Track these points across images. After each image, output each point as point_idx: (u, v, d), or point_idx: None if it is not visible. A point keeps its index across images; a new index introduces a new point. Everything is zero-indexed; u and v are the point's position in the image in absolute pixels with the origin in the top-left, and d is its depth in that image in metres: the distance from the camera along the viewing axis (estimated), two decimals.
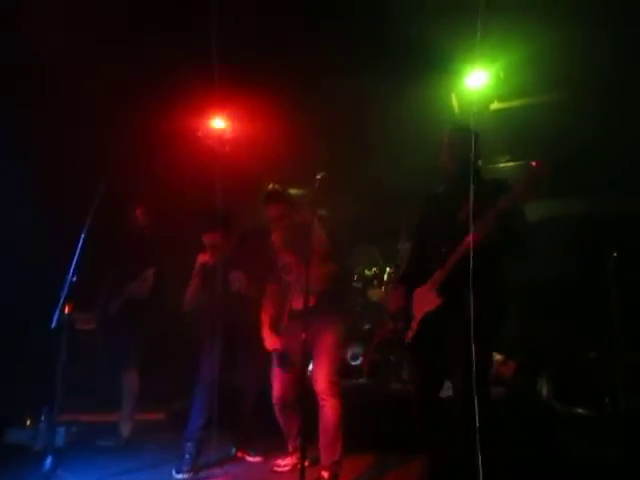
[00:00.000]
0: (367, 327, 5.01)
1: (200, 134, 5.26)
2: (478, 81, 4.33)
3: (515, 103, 4.53)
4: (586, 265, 4.68)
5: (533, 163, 2.46)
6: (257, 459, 3.73)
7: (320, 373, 3.19)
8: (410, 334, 2.86)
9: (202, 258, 3.70)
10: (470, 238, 2.49)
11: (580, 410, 4.64)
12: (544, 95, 4.51)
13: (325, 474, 3.10)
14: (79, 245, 3.37)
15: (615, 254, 4.23)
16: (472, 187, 2.27)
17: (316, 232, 3.20)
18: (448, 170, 2.85)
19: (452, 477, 2.68)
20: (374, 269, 5.05)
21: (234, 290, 3.56)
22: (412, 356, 2.99)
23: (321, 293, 3.17)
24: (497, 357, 4.68)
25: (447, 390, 3.18)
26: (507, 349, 4.75)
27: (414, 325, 2.85)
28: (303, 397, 3.16)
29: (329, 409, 3.17)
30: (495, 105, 4.44)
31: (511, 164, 4.84)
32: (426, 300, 2.78)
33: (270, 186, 3.58)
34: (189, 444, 3.46)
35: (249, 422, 3.80)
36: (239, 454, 3.78)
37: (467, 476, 2.36)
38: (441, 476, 2.75)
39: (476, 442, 2.10)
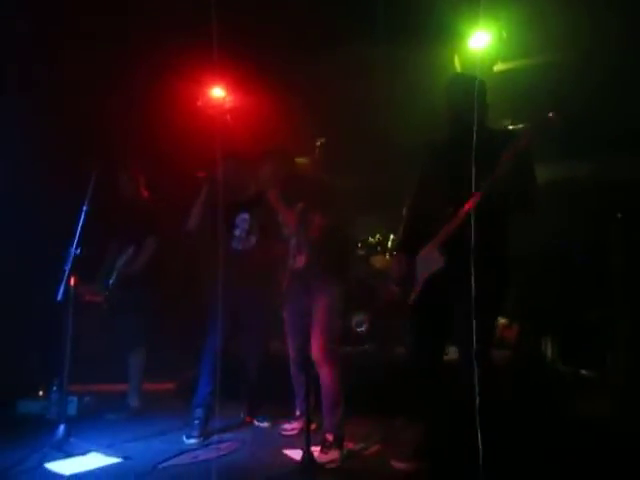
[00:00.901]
0: (371, 293, 5.03)
1: (200, 103, 5.21)
2: (481, 42, 4.25)
3: (519, 64, 4.44)
4: (591, 227, 4.66)
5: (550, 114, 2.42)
6: (265, 424, 3.79)
7: (314, 340, 3.19)
8: (413, 296, 2.87)
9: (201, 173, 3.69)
10: (476, 197, 2.44)
11: (584, 371, 4.69)
12: (548, 55, 4.42)
13: (329, 437, 3.15)
14: (81, 218, 3.38)
15: (620, 215, 4.21)
16: (475, 138, 2.20)
17: (313, 182, 3.27)
18: (450, 120, 2.77)
19: (453, 442, 2.71)
20: (377, 236, 5.04)
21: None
22: (415, 318, 2.99)
23: (318, 249, 3.16)
24: (501, 321, 4.71)
25: (451, 354, 3.22)
26: (511, 312, 4.77)
27: (417, 288, 2.85)
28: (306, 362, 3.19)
29: (324, 376, 3.22)
30: (499, 66, 4.36)
31: (514, 127, 4.76)
32: (430, 261, 2.76)
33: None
34: (198, 410, 3.51)
35: (256, 388, 3.87)
36: (247, 420, 3.85)
37: (469, 441, 2.41)
38: (441, 441, 2.79)
39: (478, 407, 2.12)
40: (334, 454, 3.07)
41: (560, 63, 4.28)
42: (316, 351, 3.20)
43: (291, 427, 3.58)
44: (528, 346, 5.03)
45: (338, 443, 3.14)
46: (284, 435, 3.54)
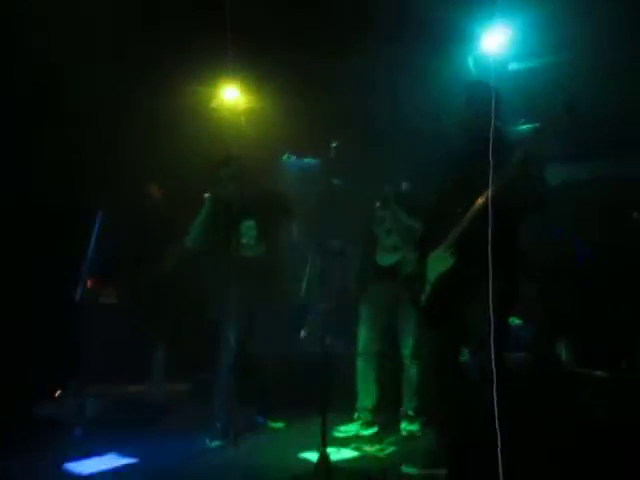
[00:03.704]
0: None
1: (213, 106, 5.23)
2: (495, 42, 4.22)
3: (533, 63, 4.42)
4: (607, 227, 4.62)
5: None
6: (280, 426, 3.81)
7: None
8: (424, 297, 2.87)
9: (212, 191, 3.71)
10: (484, 197, 2.44)
11: (599, 372, 4.65)
12: (563, 54, 4.39)
13: (410, 412, 3.60)
14: (97, 222, 3.42)
15: (636, 214, 4.17)
16: (491, 147, 2.20)
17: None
18: (465, 126, 2.78)
19: (470, 443, 2.70)
20: None
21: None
22: (426, 320, 2.98)
23: None
24: (516, 322, 4.68)
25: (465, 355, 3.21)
26: (526, 313, 4.74)
27: (428, 289, 2.85)
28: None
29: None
30: (513, 66, 4.34)
31: (528, 125, 4.74)
32: (439, 262, 2.77)
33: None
34: (220, 413, 3.53)
35: (271, 391, 3.88)
36: (264, 421, 3.86)
37: (486, 442, 2.39)
38: (459, 443, 2.77)
39: (494, 409, 2.10)
40: (415, 426, 3.50)
41: (575, 62, 4.24)
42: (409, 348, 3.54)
43: (348, 429, 3.61)
44: (543, 347, 5.01)
45: (418, 418, 3.50)
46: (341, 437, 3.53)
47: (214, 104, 5.25)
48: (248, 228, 3.76)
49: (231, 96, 5.20)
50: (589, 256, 4.74)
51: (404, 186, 3.74)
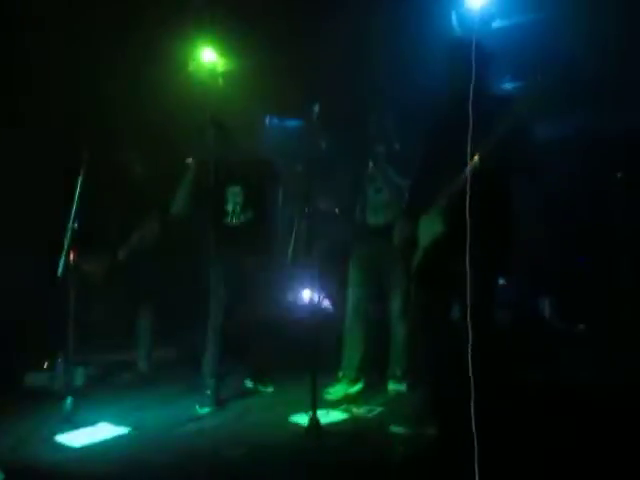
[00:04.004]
0: None
1: (191, 68, 5.09)
2: None
3: (517, 20, 4.33)
4: (591, 186, 4.66)
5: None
6: (269, 390, 3.86)
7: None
8: (415, 261, 2.87)
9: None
10: (473, 160, 2.42)
11: (580, 326, 4.77)
12: (547, 11, 4.31)
13: (398, 372, 3.66)
14: (77, 192, 3.34)
15: (619, 175, 4.20)
16: (470, 106, 2.16)
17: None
18: (451, 86, 2.72)
19: (457, 402, 2.74)
20: None
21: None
22: (419, 282, 3.00)
23: None
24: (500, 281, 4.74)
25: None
26: (510, 270, 4.80)
27: (420, 252, 2.85)
28: None
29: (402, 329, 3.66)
30: (497, 23, 4.25)
31: (512, 85, 4.69)
32: (430, 226, 2.76)
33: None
34: (209, 380, 3.55)
35: (259, 355, 3.91)
36: (253, 386, 3.90)
37: (473, 400, 2.44)
38: (446, 402, 2.82)
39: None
40: (402, 386, 3.57)
41: (560, 19, 4.17)
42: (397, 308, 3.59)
43: (334, 389, 3.63)
44: (527, 304, 5.10)
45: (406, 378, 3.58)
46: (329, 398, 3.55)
47: (192, 67, 5.11)
48: (234, 194, 3.71)
49: (209, 58, 5.05)
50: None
51: (395, 146, 3.68)
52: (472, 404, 1.93)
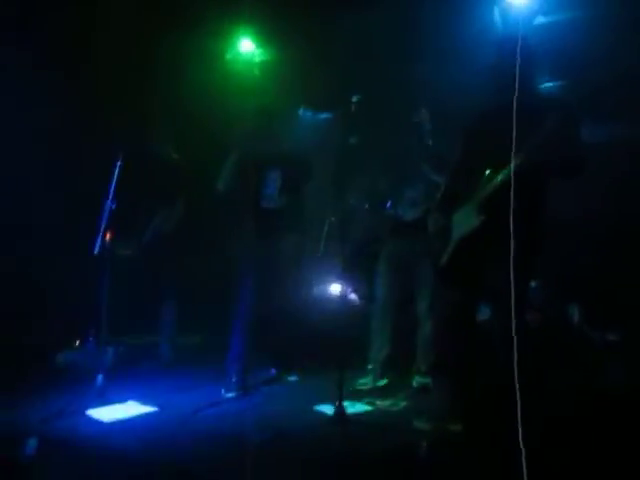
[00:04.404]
0: None
1: (228, 57, 5.13)
2: None
3: (561, 17, 4.25)
4: (625, 195, 4.55)
5: None
6: (294, 379, 3.89)
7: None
8: (446, 256, 2.86)
9: None
10: (519, 158, 2.40)
11: (610, 335, 4.67)
12: (592, 9, 4.22)
13: (423, 367, 3.63)
14: (115, 173, 3.41)
15: None
16: (515, 104, 2.14)
17: None
18: (497, 83, 2.68)
19: (482, 400, 2.73)
20: None
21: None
22: (446, 279, 2.98)
23: None
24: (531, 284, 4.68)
25: (482, 314, 3.22)
26: (540, 275, 4.74)
27: (451, 248, 2.83)
28: None
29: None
30: (540, 19, 4.18)
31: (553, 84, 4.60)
32: (465, 221, 2.74)
33: None
34: (234, 366, 3.59)
35: (287, 343, 3.93)
36: (278, 374, 3.93)
37: (498, 399, 2.42)
38: (471, 402, 2.81)
39: (514, 368, 2.11)
40: (428, 381, 3.52)
41: (604, 17, 4.08)
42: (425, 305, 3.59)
43: (364, 381, 3.67)
44: (556, 309, 5.02)
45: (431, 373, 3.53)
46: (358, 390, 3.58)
47: (229, 56, 5.16)
48: (272, 179, 3.76)
49: (246, 48, 5.09)
50: None
51: (429, 142, 3.67)
52: (519, 409, 1.91)
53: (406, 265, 3.71)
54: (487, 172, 2.61)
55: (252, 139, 3.71)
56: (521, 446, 1.83)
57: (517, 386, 1.92)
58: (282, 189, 3.76)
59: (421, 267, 3.60)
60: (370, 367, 3.74)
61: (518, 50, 2.35)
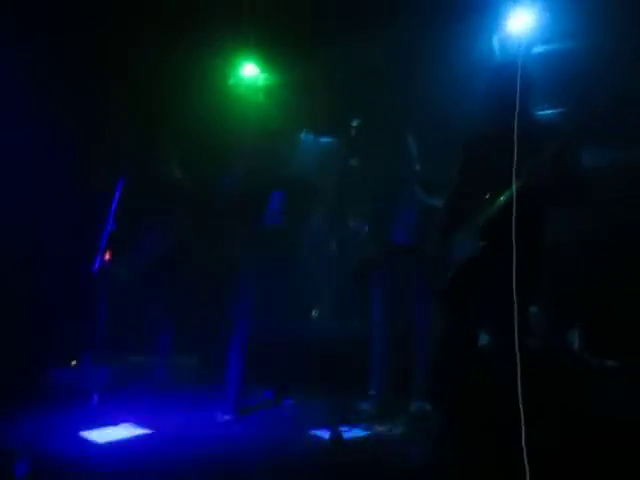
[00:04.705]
0: None
1: (231, 82, 5.20)
2: (521, 23, 4.13)
3: (560, 46, 4.32)
4: (623, 219, 4.56)
5: None
6: (292, 402, 3.84)
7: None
8: (447, 279, 2.86)
9: None
10: (519, 182, 2.41)
11: (611, 362, 4.64)
12: (592, 39, 4.28)
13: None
14: (116, 195, 3.43)
15: None
16: (516, 130, 2.17)
17: None
18: (495, 108, 2.72)
19: (482, 426, 2.70)
20: None
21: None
22: (447, 304, 2.97)
23: None
24: (532, 309, 4.67)
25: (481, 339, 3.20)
26: (540, 300, 4.73)
27: (452, 271, 2.83)
28: None
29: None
30: (538, 48, 4.24)
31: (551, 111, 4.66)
32: (466, 246, 2.75)
33: None
34: (231, 388, 3.56)
35: (283, 366, 3.91)
36: (274, 397, 3.90)
37: (498, 425, 2.40)
38: (469, 428, 2.78)
39: (514, 393, 2.10)
40: (427, 407, 3.51)
41: (604, 48, 4.14)
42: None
43: (368, 407, 3.61)
44: (556, 335, 5.00)
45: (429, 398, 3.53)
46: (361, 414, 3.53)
47: (232, 80, 5.22)
48: (277, 200, 3.77)
49: (249, 73, 5.16)
50: None
51: (416, 166, 3.68)
52: (523, 436, 1.88)
53: (401, 286, 3.70)
54: (486, 196, 2.62)
55: (256, 160, 3.74)
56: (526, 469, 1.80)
57: (522, 410, 1.90)
58: (286, 210, 3.77)
59: (416, 288, 3.60)
60: (372, 393, 3.70)
61: (518, 77, 2.38)
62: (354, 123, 3.34)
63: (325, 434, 2.98)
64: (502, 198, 2.54)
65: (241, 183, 3.78)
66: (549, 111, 4.34)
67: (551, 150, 2.41)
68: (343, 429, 2.99)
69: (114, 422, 3.18)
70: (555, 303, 4.89)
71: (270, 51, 4.92)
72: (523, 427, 1.86)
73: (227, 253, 4.14)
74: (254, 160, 3.76)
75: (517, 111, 2.24)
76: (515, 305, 2.25)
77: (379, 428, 3.29)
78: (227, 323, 3.70)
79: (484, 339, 3.00)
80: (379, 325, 3.76)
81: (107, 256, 3.39)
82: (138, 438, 3.04)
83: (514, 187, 2.39)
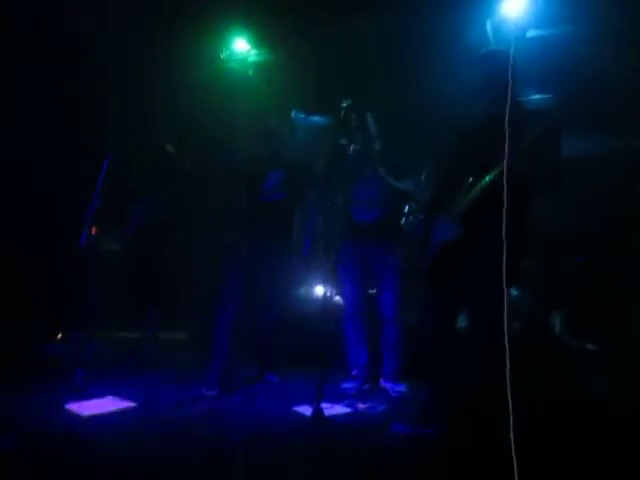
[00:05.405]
0: None
1: (222, 56, 5.15)
2: (514, 7, 4.12)
3: (554, 31, 4.30)
4: (611, 204, 4.61)
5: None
6: (275, 380, 3.90)
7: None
8: (427, 261, 2.89)
9: None
10: (499, 167, 2.42)
11: (590, 345, 4.73)
12: (581, 25, 4.28)
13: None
14: (103, 170, 3.42)
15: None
16: (507, 116, 2.17)
17: None
18: (482, 94, 2.74)
19: (462, 404, 2.75)
20: None
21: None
22: (428, 283, 3.02)
23: None
24: (514, 292, 4.74)
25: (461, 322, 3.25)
26: (523, 284, 4.79)
27: (432, 253, 2.87)
28: None
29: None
30: (531, 33, 4.23)
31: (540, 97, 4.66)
32: (447, 229, 2.78)
33: None
34: (216, 364, 3.59)
35: (269, 344, 3.96)
36: (259, 374, 3.94)
37: (477, 403, 2.44)
38: (450, 407, 2.83)
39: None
40: (402, 386, 3.56)
41: (598, 33, 4.13)
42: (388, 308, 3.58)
43: (351, 386, 3.66)
44: (538, 318, 5.07)
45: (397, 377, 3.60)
46: (345, 394, 3.57)
47: (224, 55, 5.17)
48: (274, 178, 3.77)
49: (241, 48, 5.11)
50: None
51: (376, 145, 3.65)
52: (511, 419, 1.92)
53: (367, 266, 3.70)
54: (469, 180, 2.65)
55: (252, 138, 3.73)
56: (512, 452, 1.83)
57: (509, 393, 1.93)
58: (282, 186, 3.77)
59: (382, 268, 3.63)
60: (354, 373, 3.75)
61: (510, 62, 2.38)
62: (344, 103, 3.32)
63: (307, 410, 3.03)
64: (482, 182, 2.57)
65: (240, 162, 3.76)
66: (539, 96, 4.35)
67: (531, 136, 2.43)
68: (325, 406, 3.03)
69: (99, 396, 3.20)
70: (538, 286, 4.96)
71: (262, 26, 4.86)
72: (510, 410, 1.89)
73: (218, 231, 4.14)
74: (254, 138, 3.74)
75: (509, 98, 2.24)
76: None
77: (361, 406, 3.35)
78: (216, 300, 3.73)
79: (462, 321, 3.05)
80: (351, 306, 3.77)
81: (94, 230, 3.38)
82: (122, 411, 3.07)
83: (494, 171, 2.42)
